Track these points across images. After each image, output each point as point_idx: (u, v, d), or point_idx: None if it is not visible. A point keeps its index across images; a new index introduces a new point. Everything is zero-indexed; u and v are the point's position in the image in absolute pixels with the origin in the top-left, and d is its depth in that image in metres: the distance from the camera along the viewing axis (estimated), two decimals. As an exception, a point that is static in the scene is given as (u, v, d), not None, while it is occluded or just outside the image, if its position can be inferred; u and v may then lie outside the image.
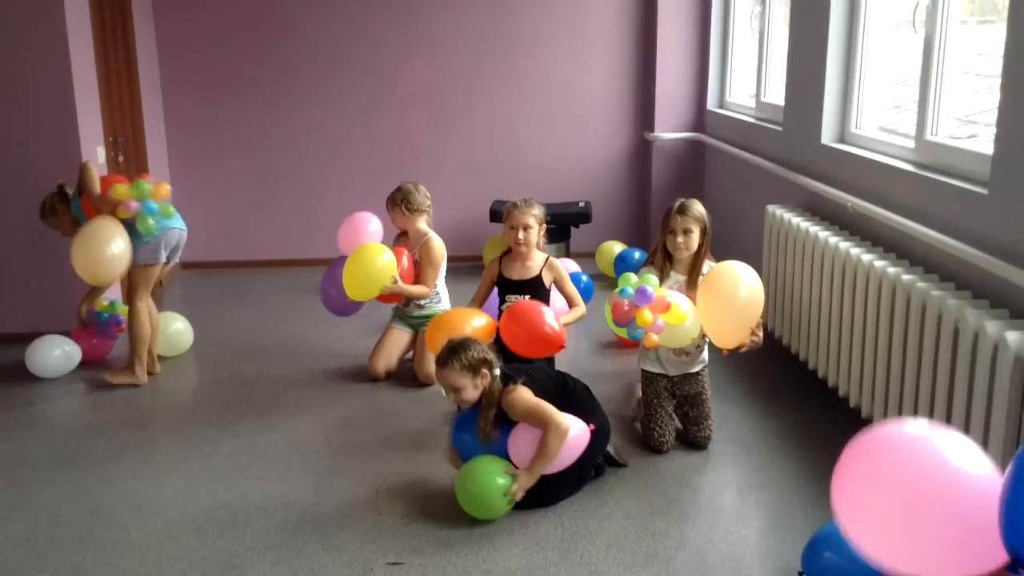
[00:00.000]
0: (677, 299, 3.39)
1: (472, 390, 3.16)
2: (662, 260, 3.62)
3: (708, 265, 3.61)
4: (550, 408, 3.14)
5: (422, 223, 4.55)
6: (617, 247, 6.18)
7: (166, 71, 6.44)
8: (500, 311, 4.15)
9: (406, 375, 4.52)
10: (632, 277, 3.43)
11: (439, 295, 4.59)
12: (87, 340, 4.68)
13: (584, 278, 5.35)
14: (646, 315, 3.32)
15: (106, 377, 4.43)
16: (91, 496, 3.35)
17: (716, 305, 3.36)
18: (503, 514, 3.10)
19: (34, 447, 3.80)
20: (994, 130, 2.92)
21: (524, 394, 3.16)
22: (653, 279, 3.40)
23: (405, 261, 4.42)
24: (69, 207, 4.41)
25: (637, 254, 5.72)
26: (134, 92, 5.95)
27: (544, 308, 3.74)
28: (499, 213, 6.29)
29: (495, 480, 3.07)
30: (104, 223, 4.18)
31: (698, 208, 3.55)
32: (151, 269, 4.38)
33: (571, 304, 4.17)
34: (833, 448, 3.66)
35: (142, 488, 3.42)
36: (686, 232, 3.53)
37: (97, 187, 4.28)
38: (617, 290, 3.43)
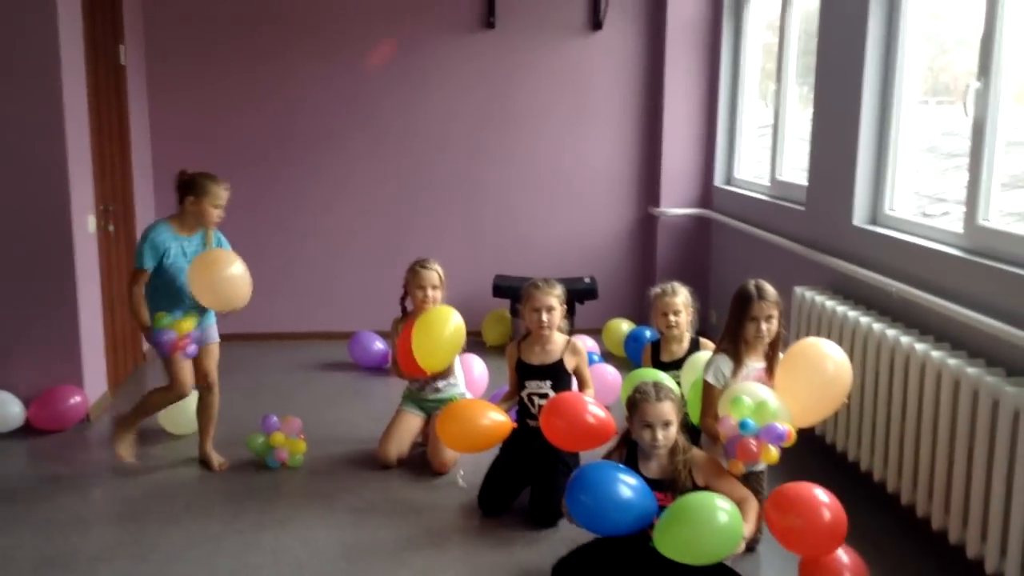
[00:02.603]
0: (772, 400, 3.04)
1: (675, 427, 3.09)
2: (736, 348, 3.32)
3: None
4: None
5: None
6: (624, 325, 6.00)
7: (158, 142, 6.21)
8: (520, 399, 3.93)
9: (416, 462, 4.25)
10: (745, 401, 2.97)
11: (455, 378, 4.37)
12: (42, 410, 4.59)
13: (596, 357, 5.16)
14: (772, 453, 2.94)
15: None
16: (83, 604, 3.04)
17: (804, 390, 3.11)
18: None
19: (16, 544, 3.46)
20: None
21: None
22: (773, 406, 2.98)
23: None
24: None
25: (648, 332, 5.53)
26: (125, 161, 5.72)
27: (586, 397, 3.52)
28: (503, 288, 6.10)
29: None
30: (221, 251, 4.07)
31: (773, 290, 3.33)
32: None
33: (582, 387, 3.95)
34: (880, 548, 3.50)
35: (140, 594, 3.12)
36: (768, 318, 3.28)
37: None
38: (735, 422, 2.94)
